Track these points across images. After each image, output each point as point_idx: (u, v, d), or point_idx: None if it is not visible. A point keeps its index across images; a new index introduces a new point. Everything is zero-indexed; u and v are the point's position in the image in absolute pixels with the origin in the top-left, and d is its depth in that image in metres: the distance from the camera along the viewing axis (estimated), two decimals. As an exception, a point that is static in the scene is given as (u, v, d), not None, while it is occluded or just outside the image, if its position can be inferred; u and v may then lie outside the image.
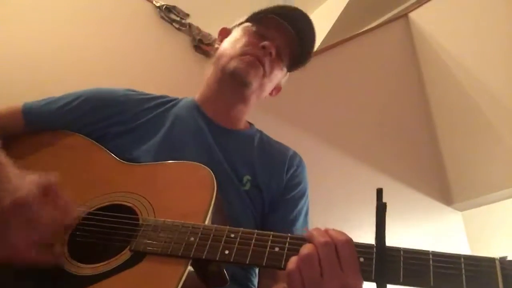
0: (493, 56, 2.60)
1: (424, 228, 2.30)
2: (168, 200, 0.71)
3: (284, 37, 0.98)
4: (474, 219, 2.54)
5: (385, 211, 0.56)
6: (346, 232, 0.58)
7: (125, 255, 0.64)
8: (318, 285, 0.54)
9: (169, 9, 1.81)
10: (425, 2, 3.04)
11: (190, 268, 0.60)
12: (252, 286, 0.86)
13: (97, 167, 0.82)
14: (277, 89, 1.12)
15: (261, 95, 1.03)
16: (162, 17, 1.80)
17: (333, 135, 2.13)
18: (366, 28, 3.11)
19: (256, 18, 1.01)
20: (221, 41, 1.05)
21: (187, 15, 1.88)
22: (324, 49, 2.51)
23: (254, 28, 0.98)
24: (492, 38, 2.62)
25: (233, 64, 0.93)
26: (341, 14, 4.42)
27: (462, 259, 0.53)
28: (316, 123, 2.12)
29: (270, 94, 1.10)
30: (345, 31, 3.87)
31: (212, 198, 0.68)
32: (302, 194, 0.96)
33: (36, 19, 1.46)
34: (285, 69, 1.04)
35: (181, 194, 0.72)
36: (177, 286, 0.57)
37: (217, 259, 0.60)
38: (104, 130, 0.89)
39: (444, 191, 2.54)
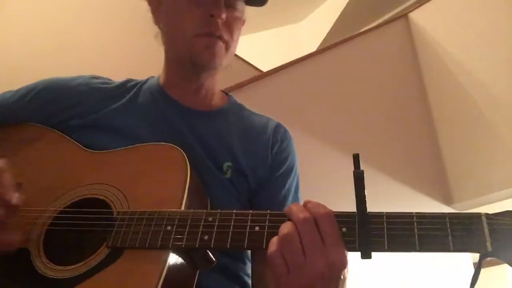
0: (493, 56, 2.60)
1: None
2: (141, 188, 0.68)
3: None
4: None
5: (363, 177, 0.54)
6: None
7: (103, 252, 0.61)
8: (302, 266, 0.52)
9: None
10: (425, 2, 3.04)
11: (170, 258, 0.58)
12: (245, 277, 0.83)
13: (64, 158, 0.77)
14: (243, 23, 0.95)
15: (231, 57, 0.89)
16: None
17: (332, 135, 2.13)
18: (366, 28, 3.11)
19: None
20: (155, 11, 0.91)
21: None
22: (324, 49, 2.51)
23: None
24: (492, 38, 2.62)
25: (189, 51, 0.82)
26: (341, 14, 4.42)
27: (447, 219, 0.51)
28: (316, 123, 2.11)
29: None
30: (345, 31, 3.87)
31: (186, 181, 0.65)
32: (290, 170, 0.89)
33: (36, 18, 1.46)
34: (243, 10, 0.90)
35: (153, 180, 0.68)
36: (159, 279, 0.55)
37: (197, 246, 0.58)
38: (65, 123, 0.83)
39: (444, 191, 2.54)
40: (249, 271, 0.82)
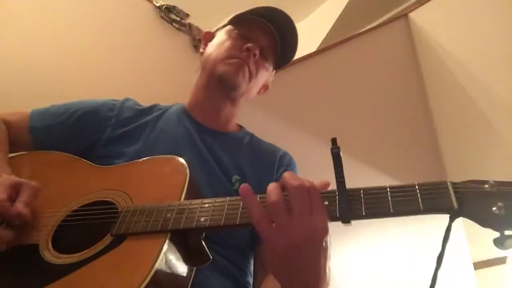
0: (493, 56, 2.60)
1: (423, 229, 2.30)
2: (144, 189, 0.74)
3: (267, 37, 1.01)
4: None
5: (340, 155, 0.61)
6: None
7: (107, 240, 0.67)
8: (289, 229, 0.56)
9: (169, 9, 1.81)
10: (425, 2, 3.04)
11: (169, 243, 0.62)
12: (249, 286, 0.86)
13: (75, 174, 0.86)
14: (265, 87, 1.13)
15: (249, 96, 1.04)
16: (162, 17, 1.80)
17: (332, 135, 2.12)
18: (366, 28, 3.11)
19: (239, 21, 1.02)
20: (206, 45, 1.07)
21: (187, 15, 1.88)
22: (324, 49, 2.51)
23: (237, 31, 1.00)
24: (492, 37, 2.62)
25: (219, 68, 0.96)
26: (341, 14, 4.42)
27: (417, 186, 0.58)
28: (316, 123, 2.12)
29: (258, 92, 1.12)
30: (345, 31, 3.87)
31: (185, 182, 0.71)
32: None
33: (36, 21, 1.46)
34: (270, 68, 1.07)
35: (156, 183, 0.75)
36: (158, 256, 0.59)
37: (194, 226, 0.62)
38: (97, 136, 0.92)
39: (444, 191, 2.54)
40: (251, 282, 0.87)
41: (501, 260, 3.53)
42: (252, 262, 0.89)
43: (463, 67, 2.75)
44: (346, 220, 0.57)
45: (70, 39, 1.50)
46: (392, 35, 2.96)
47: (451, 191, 0.55)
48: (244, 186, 0.60)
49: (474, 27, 2.74)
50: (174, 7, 1.84)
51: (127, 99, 1.04)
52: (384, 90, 2.64)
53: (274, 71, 1.10)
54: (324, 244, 0.57)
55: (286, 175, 0.60)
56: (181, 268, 0.66)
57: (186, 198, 0.69)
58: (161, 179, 0.75)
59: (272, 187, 0.58)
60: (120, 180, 0.79)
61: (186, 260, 0.66)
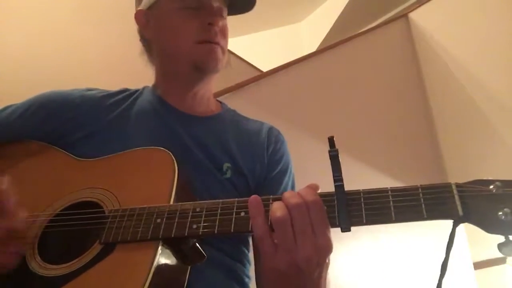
0: (493, 56, 2.60)
1: (423, 230, 2.30)
2: (130, 188, 0.70)
3: None
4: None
5: (338, 156, 0.57)
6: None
7: (96, 249, 0.63)
8: (292, 250, 0.54)
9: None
10: (425, 2, 3.05)
11: (161, 249, 0.60)
12: (246, 278, 0.84)
13: (56, 168, 0.80)
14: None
15: (224, 63, 0.94)
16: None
17: (332, 135, 2.13)
18: (366, 28, 3.11)
19: None
20: (144, 27, 0.95)
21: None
22: (324, 49, 2.51)
23: (183, 5, 0.88)
24: (492, 38, 2.62)
25: (192, 57, 0.88)
26: (341, 14, 4.42)
27: (420, 190, 0.54)
28: (316, 123, 2.11)
29: None
30: (345, 31, 3.87)
31: (174, 178, 0.67)
32: (286, 169, 0.93)
33: (35, 19, 1.46)
34: (226, 15, 0.95)
35: (142, 180, 0.71)
36: (150, 269, 0.57)
37: (186, 234, 0.60)
38: (64, 138, 0.86)
39: (444, 191, 2.54)
40: (249, 273, 0.84)
41: (501, 260, 3.53)
42: (249, 251, 0.87)
43: (463, 67, 2.75)
44: (346, 229, 0.55)
45: (69, 38, 1.50)
46: (392, 35, 2.96)
47: (456, 196, 0.53)
48: (254, 198, 0.58)
49: (474, 27, 2.74)
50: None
51: (88, 90, 0.95)
52: (384, 90, 2.64)
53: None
54: (326, 260, 0.56)
55: (286, 194, 0.58)
56: (176, 271, 0.64)
57: (176, 195, 0.66)
58: (147, 176, 0.71)
59: (277, 205, 0.56)
60: (104, 177, 0.74)
61: (180, 261, 0.64)
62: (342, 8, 4.38)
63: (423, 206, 0.53)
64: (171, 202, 0.65)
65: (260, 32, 4.92)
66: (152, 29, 0.94)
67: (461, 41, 2.80)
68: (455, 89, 2.76)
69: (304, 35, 5.12)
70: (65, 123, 0.86)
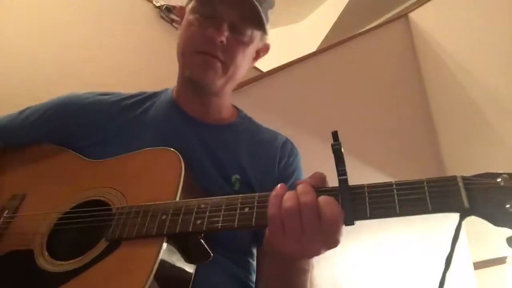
0: (493, 56, 2.60)
1: (423, 229, 2.30)
2: (137, 187, 0.71)
3: (235, 8, 0.84)
4: (473, 219, 2.54)
5: (341, 151, 0.58)
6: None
7: (102, 245, 0.65)
8: (299, 240, 0.56)
9: (169, 9, 1.81)
10: (425, 2, 3.05)
11: (166, 245, 0.61)
12: (251, 284, 0.84)
13: (67, 169, 0.82)
14: (263, 51, 0.99)
15: (234, 82, 0.92)
16: (162, 17, 1.80)
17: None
18: (366, 28, 3.12)
19: None
20: (179, 24, 0.94)
21: (187, 15, 1.88)
22: (324, 49, 2.51)
23: (199, 13, 0.85)
24: (492, 37, 2.62)
25: (187, 68, 0.86)
26: (341, 14, 4.42)
27: (425, 183, 0.54)
28: (316, 123, 2.12)
29: (256, 59, 0.98)
30: (345, 31, 3.87)
31: (180, 177, 0.68)
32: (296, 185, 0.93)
33: (36, 19, 1.46)
34: (256, 34, 0.90)
35: (149, 179, 0.72)
36: (154, 263, 0.57)
37: (190, 230, 0.60)
38: (77, 143, 0.86)
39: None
40: (254, 280, 0.84)
41: (501, 260, 3.53)
42: (255, 259, 0.87)
43: (462, 66, 2.75)
44: (350, 223, 0.55)
45: (70, 39, 1.50)
46: (392, 35, 2.96)
47: (462, 189, 0.51)
48: (281, 185, 0.60)
49: (473, 27, 2.74)
50: (174, 7, 1.84)
51: (102, 94, 0.94)
52: (384, 89, 2.64)
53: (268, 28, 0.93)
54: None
55: (298, 188, 0.59)
56: (181, 269, 0.65)
57: (182, 193, 0.67)
58: (155, 176, 0.72)
59: (289, 195, 0.58)
60: (112, 176, 0.76)
61: (186, 259, 0.65)
62: (342, 8, 4.38)
63: (428, 199, 0.52)
64: (177, 199, 0.66)
65: (260, 32, 4.91)
66: (180, 30, 0.93)
67: (461, 41, 2.80)
68: (455, 89, 2.76)
69: (304, 35, 5.12)
70: (78, 129, 0.87)
